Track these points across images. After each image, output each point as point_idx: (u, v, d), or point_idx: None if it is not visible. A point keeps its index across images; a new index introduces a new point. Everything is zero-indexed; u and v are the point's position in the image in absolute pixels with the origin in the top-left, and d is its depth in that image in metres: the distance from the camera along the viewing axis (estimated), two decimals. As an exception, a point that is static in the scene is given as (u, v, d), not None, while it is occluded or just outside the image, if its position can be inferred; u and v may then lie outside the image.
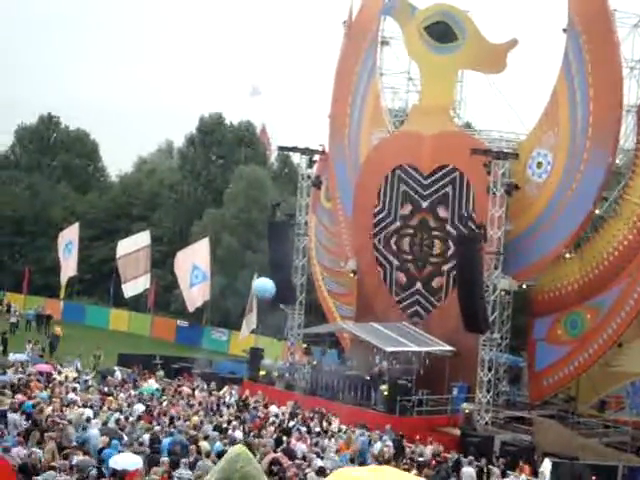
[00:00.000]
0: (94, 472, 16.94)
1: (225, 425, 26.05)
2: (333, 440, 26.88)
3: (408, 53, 40.92)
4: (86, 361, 41.14)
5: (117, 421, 24.37)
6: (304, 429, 27.49)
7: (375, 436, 28.66)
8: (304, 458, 22.79)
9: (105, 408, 26.57)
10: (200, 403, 30.35)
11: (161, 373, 39.09)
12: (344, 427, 29.54)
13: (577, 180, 34.29)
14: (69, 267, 55.60)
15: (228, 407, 30.76)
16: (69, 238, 56.67)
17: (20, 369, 33.66)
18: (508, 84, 38.23)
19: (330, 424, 29.80)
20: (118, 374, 37.11)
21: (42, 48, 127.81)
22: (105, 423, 23.90)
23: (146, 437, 22.53)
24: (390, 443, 27.75)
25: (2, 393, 26.39)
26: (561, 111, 35.03)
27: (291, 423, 28.49)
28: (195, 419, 26.13)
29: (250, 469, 3.97)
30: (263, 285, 41.63)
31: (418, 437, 29.74)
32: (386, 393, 34.62)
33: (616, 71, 33.59)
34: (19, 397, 25.60)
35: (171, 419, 25.69)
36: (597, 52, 33.80)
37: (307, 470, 20.96)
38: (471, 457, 27.22)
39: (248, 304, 45.82)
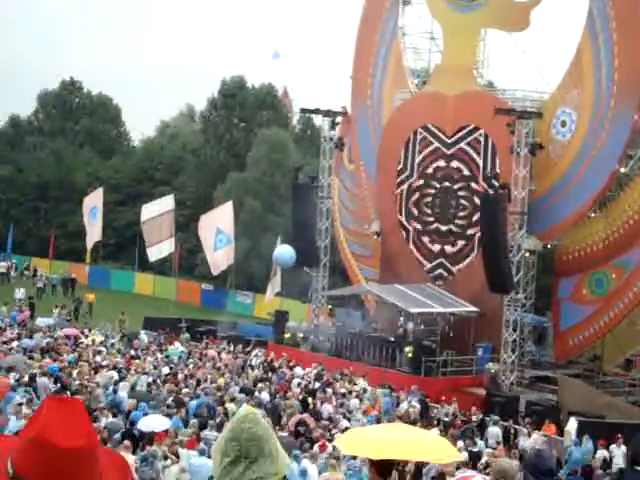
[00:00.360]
0: (118, 436, 17.10)
1: (251, 387, 26.24)
2: (359, 401, 27.02)
3: (430, 12, 40.60)
4: (112, 325, 41.50)
5: (145, 384, 24.60)
6: (330, 390, 27.65)
7: (402, 397, 28.80)
8: (330, 419, 22.95)
9: (132, 371, 26.81)
10: (226, 365, 30.57)
11: (187, 336, 39.37)
12: (369, 388, 29.66)
13: (602, 139, 34.02)
14: (94, 232, 55.90)
15: (254, 369, 30.96)
16: (94, 203, 56.92)
17: (48, 333, 34.01)
18: (532, 42, 37.92)
19: (355, 385, 29.93)
20: (144, 337, 37.41)
21: (62, 15, 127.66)
22: (133, 386, 24.14)
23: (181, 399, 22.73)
24: (416, 404, 27.88)
25: (31, 357, 26.73)
26: (585, 69, 34.70)
27: (316, 385, 28.66)
28: (221, 381, 26.34)
29: (257, 429, 4.01)
30: (283, 254, 41.53)
31: (444, 398, 29.84)
32: (410, 355, 34.71)
33: (641, 27, 33.19)
34: (48, 361, 25.90)
35: (197, 382, 25.90)
36: (621, 8, 33.41)
37: (334, 431, 21.12)
38: (496, 417, 27.30)
39: (273, 267, 45.93)
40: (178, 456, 16.88)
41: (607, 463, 24.95)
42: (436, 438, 7.75)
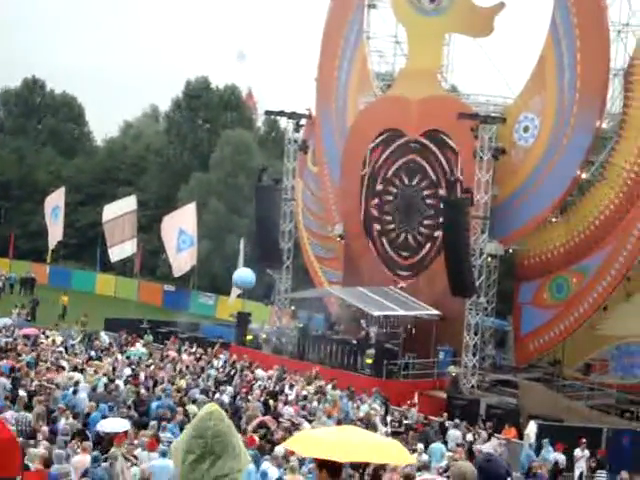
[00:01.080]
0: (67, 437, 16.97)
1: (212, 389, 26.14)
2: (317, 403, 26.99)
3: (395, 16, 40.71)
4: (74, 325, 41.10)
5: (104, 385, 24.42)
6: (290, 392, 27.61)
7: (364, 399, 28.82)
8: (292, 422, 22.91)
9: (92, 372, 26.61)
10: (187, 367, 30.43)
11: (149, 337, 39.12)
12: (332, 391, 29.62)
13: (564, 144, 34.29)
14: (56, 232, 55.47)
15: (216, 371, 30.84)
16: (55, 203, 56.49)
17: (6, 333, 33.67)
18: (495, 48, 38.15)
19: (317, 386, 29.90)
20: (105, 338, 37.14)
21: (25, 14, 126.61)
22: (93, 387, 23.96)
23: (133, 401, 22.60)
24: (376, 406, 27.90)
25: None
26: (548, 75, 34.95)
27: (277, 387, 28.60)
28: (182, 383, 26.21)
29: (222, 427, 4.04)
30: (243, 276, 41.22)
31: (409, 402, 29.85)
32: (370, 360, 34.71)
33: (603, 35, 33.52)
34: (7, 362, 25.63)
35: (155, 382, 25.76)
36: (584, 15, 33.69)
37: (295, 433, 21.08)
38: (457, 420, 27.42)
39: (236, 268, 45.78)
40: (136, 458, 16.79)
41: (560, 467, 25.02)
42: (389, 441, 7.74)
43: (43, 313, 45.98)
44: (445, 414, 28.74)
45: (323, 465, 5.95)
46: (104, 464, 16.07)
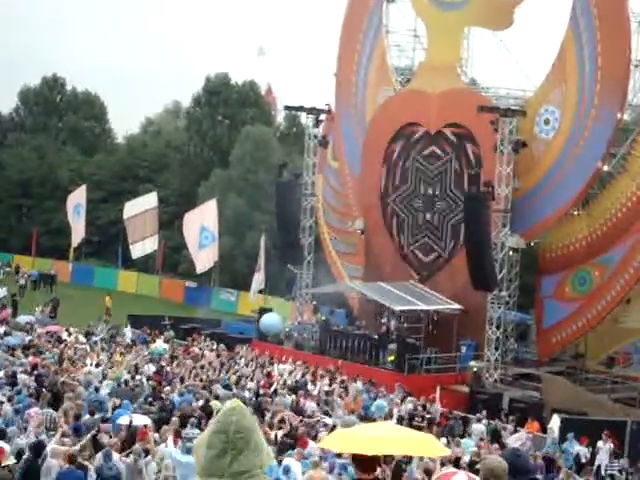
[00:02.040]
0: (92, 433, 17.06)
1: (234, 384, 26.19)
2: (341, 398, 26.99)
3: (414, 10, 40.61)
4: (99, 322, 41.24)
5: (127, 382, 24.52)
6: (313, 387, 27.63)
7: (382, 394, 28.79)
8: (313, 416, 22.93)
9: (115, 368, 26.72)
10: (210, 363, 30.49)
11: (171, 334, 39.21)
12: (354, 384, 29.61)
13: (585, 137, 34.12)
14: (79, 230, 55.76)
15: (238, 366, 30.88)
16: (77, 201, 56.78)
17: (30, 330, 33.87)
18: (515, 40, 37.97)
19: (340, 381, 29.90)
20: (128, 334, 37.26)
21: (44, 10, 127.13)
22: (116, 384, 24.05)
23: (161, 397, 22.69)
24: (398, 400, 27.87)
25: (12, 355, 26.61)
26: (569, 67, 34.78)
27: (300, 381, 28.61)
28: (205, 378, 26.28)
29: (245, 422, 4.06)
30: (270, 321, 40.58)
31: (431, 396, 29.72)
32: (391, 358, 34.69)
33: (624, 26, 33.32)
34: (30, 359, 25.78)
35: (181, 379, 25.83)
36: (605, 7, 33.50)
37: (318, 428, 21.11)
38: (479, 415, 27.34)
39: (257, 264, 45.89)
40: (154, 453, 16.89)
41: (583, 461, 24.94)
42: (423, 435, 7.74)
43: (65, 310, 46.14)
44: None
45: (359, 460, 5.98)
46: (127, 459, 16.15)
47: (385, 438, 6.42)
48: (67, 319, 40.94)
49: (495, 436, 25.02)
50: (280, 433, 19.81)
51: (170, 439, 17.37)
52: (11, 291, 49.44)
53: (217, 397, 23.28)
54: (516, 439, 24.39)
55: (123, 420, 18.65)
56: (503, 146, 34.94)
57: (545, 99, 35.76)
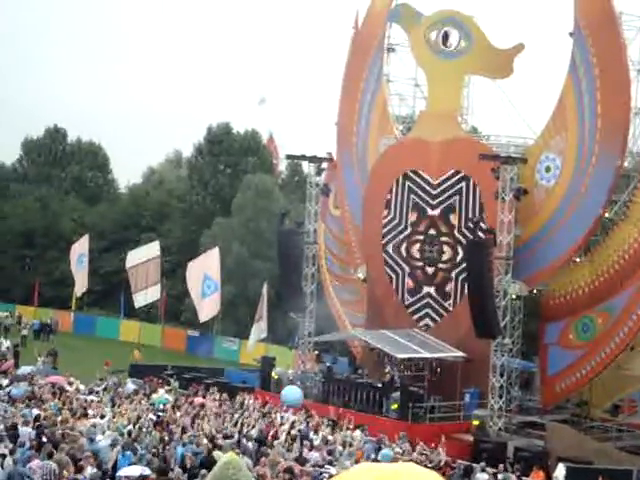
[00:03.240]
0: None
1: (237, 435, 25.99)
2: (346, 448, 26.77)
3: (415, 59, 40.94)
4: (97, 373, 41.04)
5: (130, 432, 24.35)
6: (316, 437, 27.42)
7: (385, 442, 28.56)
8: (318, 466, 22.73)
9: (117, 419, 26.55)
10: (212, 412, 30.29)
11: (176, 384, 38.93)
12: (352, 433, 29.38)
13: (586, 184, 34.20)
14: (82, 280, 55.76)
15: (240, 416, 30.67)
16: (81, 251, 56.84)
17: (31, 381, 33.69)
18: (515, 89, 38.21)
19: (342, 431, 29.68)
20: (130, 386, 37.02)
21: (48, 61, 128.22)
22: (118, 435, 23.87)
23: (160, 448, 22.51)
24: (400, 450, 27.63)
25: (14, 406, 26.46)
26: (569, 115, 34.96)
27: (304, 431, 28.40)
28: (207, 428, 26.09)
29: (240, 476, 4.06)
30: (291, 394, 39.61)
31: (433, 445, 29.52)
32: (395, 406, 34.51)
33: (623, 74, 33.54)
34: (34, 411, 25.62)
35: (183, 429, 25.65)
36: (604, 55, 33.74)
37: (322, 478, 20.94)
38: (483, 463, 27.11)
39: (257, 313, 45.80)
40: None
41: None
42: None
43: (68, 360, 45.95)
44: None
45: None
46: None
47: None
48: (69, 369, 40.75)
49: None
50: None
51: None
52: (13, 341, 49.30)
53: (220, 447, 23.11)
54: None
55: (125, 472, 18.48)
56: (504, 193, 35.02)
57: (546, 147, 35.91)
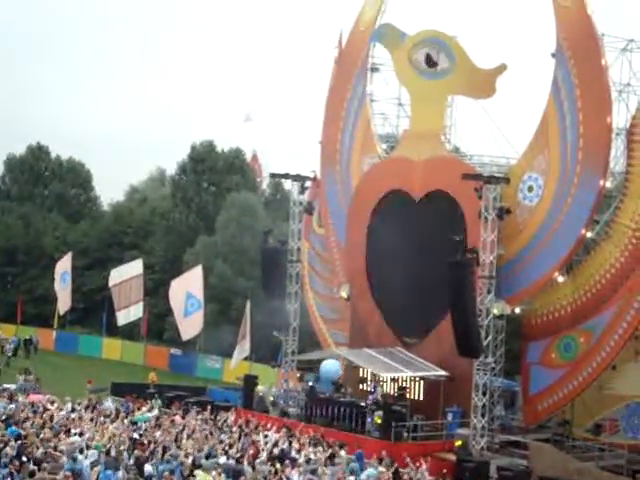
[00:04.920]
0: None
1: (219, 453, 25.90)
2: (329, 468, 26.69)
3: (398, 79, 41.11)
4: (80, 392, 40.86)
5: (108, 451, 24.22)
6: (298, 456, 27.35)
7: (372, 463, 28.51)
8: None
9: (98, 438, 26.40)
10: (194, 431, 30.18)
11: (159, 402, 38.74)
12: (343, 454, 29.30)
13: (568, 203, 34.36)
14: (65, 298, 55.59)
15: (222, 435, 30.59)
16: (64, 269, 56.71)
17: (12, 399, 33.48)
18: (498, 109, 38.40)
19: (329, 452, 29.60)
20: (109, 405, 36.76)
21: (28, 78, 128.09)
22: (99, 454, 23.76)
23: (147, 466, 22.42)
24: (383, 469, 27.58)
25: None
26: (551, 135, 35.15)
27: (286, 450, 28.32)
28: (188, 447, 25.99)
29: None
30: (330, 368, 39.51)
31: (408, 459, 29.27)
32: (379, 421, 34.48)
33: (605, 95, 33.74)
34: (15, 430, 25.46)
35: (163, 448, 25.54)
36: (586, 76, 33.95)
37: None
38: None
39: (240, 331, 45.71)
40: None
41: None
42: None
43: (48, 378, 45.74)
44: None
45: None
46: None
47: None
48: (51, 387, 40.61)
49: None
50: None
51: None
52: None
53: (200, 466, 23.02)
54: None
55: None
56: (487, 213, 35.13)
57: (528, 166, 36.07)
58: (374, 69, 42.48)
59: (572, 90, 34.29)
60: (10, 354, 53.11)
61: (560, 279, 35.20)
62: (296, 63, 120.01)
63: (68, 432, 26.76)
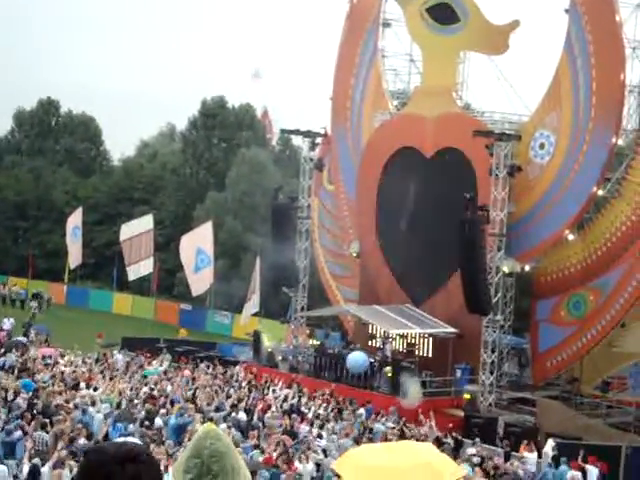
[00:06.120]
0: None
1: (229, 407, 26.11)
2: (338, 423, 26.90)
3: (410, 35, 40.80)
4: (90, 345, 41.15)
5: (118, 404, 24.44)
6: (307, 411, 27.55)
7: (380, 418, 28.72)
8: (305, 439, 22.87)
9: (108, 391, 26.63)
10: (204, 386, 30.41)
11: (168, 356, 38.96)
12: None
13: (580, 161, 34.22)
14: (76, 252, 55.74)
15: (231, 389, 30.81)
16: (75, 223, 56.83)
17: (24, 352, 33.74)
18: (510, 65, 38.15)
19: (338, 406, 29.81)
20: (119, 357, 37.04)
21: (39, 32, 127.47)
22: (111, 407, 23.97)
23: (156, 420, 22.61)
24: (391, 425, 27.79)
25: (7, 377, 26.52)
26: (564, 92, 34.92)
27: (295, 404, 28.54)
28: (198, 401, 26.20)
29: (219, 446, 4.03)
30: (357, 359, 39.02)
31: (421, 417, 29.62)
32: (390, 375, 34.64)
33: (619, 51, 33.47)
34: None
35: (171, 402, 25.76)
36: (599, 33, 33.67)
37: (309, 452, 21.05)
38: (477, 439, 27.26)
39: (251, 287, 45.82)
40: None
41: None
42: (440, 457, 7.45)
43: (58, 332, 46.00)
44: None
45: None
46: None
47: (401, 468, 6.31)
48: (62, 341, 40.86)
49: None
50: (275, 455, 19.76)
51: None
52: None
53: (210, 419, 23.20)
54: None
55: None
56: (498, 170, 35.01)
57: (540, 123, 35.88)
58: (386, 24, 42.15)
59: (585, 47, 34.00)
60: (36, 311, 52.85)
61: (570, 237, 35.15)
62: (307, 18, 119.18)
63: (78, 385, 27.00)
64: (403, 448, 6.97)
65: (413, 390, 31.79)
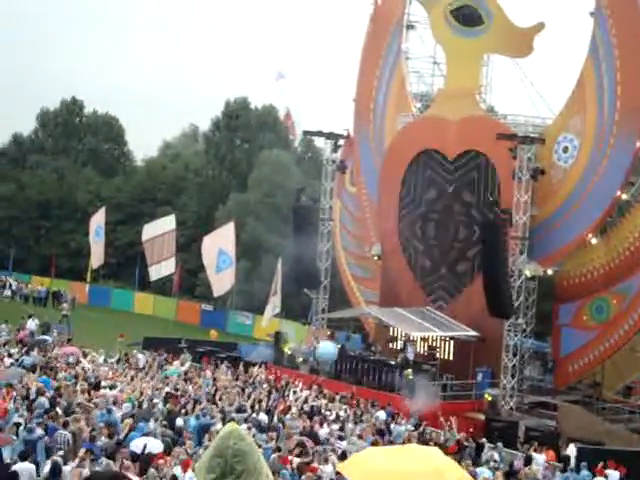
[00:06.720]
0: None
1: (249, 408, 26.11)
2: (357, 425, 26.88)
3: (434, 37, 40.74)
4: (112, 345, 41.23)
5: (140, 404, 24.49)
6: (328, 413, 27.52)
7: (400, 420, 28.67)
8: (327, 441, 22.84)
9: (130, 391, 26.69)
10: (225, 387, 30.43)
11: (189, 357, 38.98)
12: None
13: (603, 165, 34.06)
14: (99, 252, 55.93)
15: (254, 390, 30.80)
16: (98, 223, 57.02)
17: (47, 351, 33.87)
18: (535, 68, 38.03)
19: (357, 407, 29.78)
20: (140, 357, 37.09)
21: (64, 33, 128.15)
22: (132, 406, 24.02)
23: (178, 420, 22.65)
24: (411, 427, 27.74)
25: (28, 376, 26.63)
26: (588, 95, 34.77)
27: (315, 407, 28.51)
28: (220, 402, 26.22)
29: (242, 445, 4.05)
30: (327, 349, 39.29)
31: (441, 419, 29.55)
32: (410, 377, 34.58)
33: (644, 55, 33.28)
34: (53, 382, 25.75)
35: (194, 402, 25.79)
36: (624, 36, 33.51)
37: (330, 454, 21.02)
38: (499, 443, 27.15)
39: (272, 288, 45.84)
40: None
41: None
42: (446, 462, 7.46)
43: (81, 331, 46.15)
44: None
45: None
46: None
47: (407, 471, 6.31)
48: (84, 340, 40.96)
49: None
50: (296, 460, 19.73)
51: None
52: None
53: (231, 420, 23.21)
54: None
55: (136, 443, 18.55)
56: (521, 173, 34.91)
57: (564, 127, 35.74)
58: (410, 26, 42.10)
59: (610, 50, 33.85)
60: (66, 312, 52.76)
61: (593, 241, 35.00)
62: (331, 20, 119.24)
63: (99, 385, 27.07)
64: (409, 452, 6.94)
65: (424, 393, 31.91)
